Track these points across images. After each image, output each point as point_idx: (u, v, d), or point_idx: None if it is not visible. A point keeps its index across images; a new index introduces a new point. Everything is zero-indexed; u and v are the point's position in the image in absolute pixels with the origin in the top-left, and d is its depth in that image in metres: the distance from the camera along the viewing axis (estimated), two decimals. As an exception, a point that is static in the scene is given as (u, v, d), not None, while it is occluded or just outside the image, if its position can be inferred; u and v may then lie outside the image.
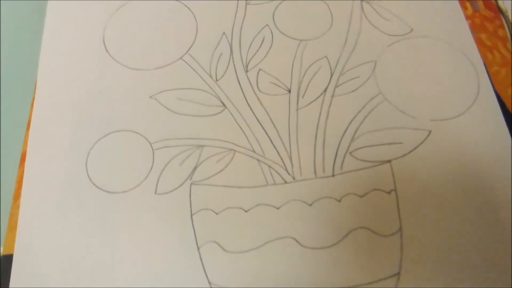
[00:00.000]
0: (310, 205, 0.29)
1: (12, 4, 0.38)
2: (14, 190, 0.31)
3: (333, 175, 0.30)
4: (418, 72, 0.33)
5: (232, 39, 0.35)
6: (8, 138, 0.33)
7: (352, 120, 0.32)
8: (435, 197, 0.29)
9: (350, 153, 0.31)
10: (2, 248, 0.30)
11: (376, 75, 0.33)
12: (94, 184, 0.30)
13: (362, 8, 0.36)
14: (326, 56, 0.34)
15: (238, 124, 0.32)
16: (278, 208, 0.29)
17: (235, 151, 0.31)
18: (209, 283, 0.27)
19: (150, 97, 0.33)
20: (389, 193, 0.29)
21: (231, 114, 0.32)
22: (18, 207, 0.30)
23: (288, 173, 0.30)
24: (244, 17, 0.36)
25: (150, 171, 0.31)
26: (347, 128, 0.32)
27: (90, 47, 0.35)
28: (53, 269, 0.28)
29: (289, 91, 0.33)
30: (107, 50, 0.35)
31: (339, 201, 0.29)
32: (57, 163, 0.31)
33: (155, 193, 0.30)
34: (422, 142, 0.31)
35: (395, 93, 0.33)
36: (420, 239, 0.28)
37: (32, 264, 0.28)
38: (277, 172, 0.30)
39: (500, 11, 0.36)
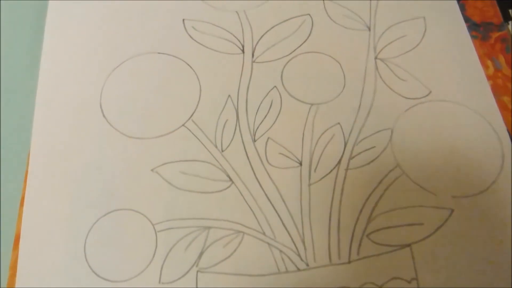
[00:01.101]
0: (326, 296, 0.27)
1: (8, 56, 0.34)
2: (8, 277, 0.29)
3: (349, 262, 0.28)
4: (437, 141, 0.31)
5: (238, 102, 0.32)
6: (1, 215, 0.30)
7: (368, 198, 0.29)
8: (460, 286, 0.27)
9: (367, 235, 0.28)
10: None
11: (393, 145, 0.31)
12: (93, 272, 0.28)
13: (376, 67, 0.33)
14: (339, 123, 0.31)
15: (246, 202, 0.29)
16: (291, 300, 0.27)
17: (243, 233, 0.28)
18: None
19: (152, 170, 0.30)
20: (409, 282, 0.27)
21: (239, 191, 0.30)
22: (12, 297, 0.28)
23: (301, 259, 0.28)
24: (250, 77, 0.33)
25: (153, 256, 0.28)
26: (363, 206, 0.29)
27: (86, 112, 0.32)
28: None
29: (300, 163, 0.30)
30: (104, 116, 0.32)
31: (357, 291, 0.27)
32: (54, 247, 0.28)
33: (159, 282, 0.28)
34: (444, 223, 0.28)
35: (413, 166, 0.30)
36: (445, 337, 0.26)
37: None
38: (289, 258, 0.28)
39: (523, 68, 0.33)
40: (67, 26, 0.34)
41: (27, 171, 0.31)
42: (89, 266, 0.28)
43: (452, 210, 0.29)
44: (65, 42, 0.34)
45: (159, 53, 0.34)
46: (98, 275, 0.28)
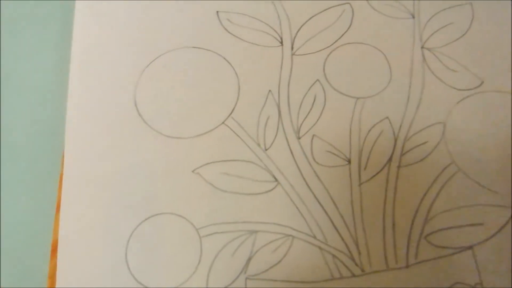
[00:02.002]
0: (384, 303, 0.24)
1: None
2: (47, 286, 0.26)
3: (407, 266, 0.25)
4: (494, 134, 0.28)
5: (279, 98, 0.29)
6: (37, 221, 0.28)
7: (424, 197, 0.27)
8: (527, 292, 0.24)
9: (425, 237, 0.26)
10: None
11: (447, 140, 0.28)
12: (137, 281, 0.26)
13: (423, 57, 0.30)
14: (387, 117, 0.29)
15: (294, 203, 0.27)
16: (347, 308, 0.24)
17: (293, 237, 0.26)
18: None
19: (193, 171, 0.28)
20: (474, 287, 0.25)
21: (285, 191, 0.27)
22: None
23: (356, 264, 0.25)
24: (291, 71, 0.30)
25: (198, 263, 0.26)
26: (419, 206, 0.26)
27: (121, 111, 0.30)
28: None
29: (349, 161, 0.28)
30: (140, 114, 0.29)
31: (417, 298, 0.24)
32: (94, 255, 0.26)
33: (206, 290, 0.25)
34: (507, 223, 0.26)
35: (470, 162, 0.27)
36: None
37: None
38: (342, 262, 0.25)
39: None
40: (97, 22, 0.32)
41: (61, 175, 0.28)
42: (132, 274, 0.26)
43: (515, 209, 0.26)
44: (95, 39, 0.31)
45: (194, 47, 0.31)
46: (141, 284, 0.26)
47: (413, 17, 0.32)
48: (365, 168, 0.27)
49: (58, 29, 0.32)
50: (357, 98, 0.29)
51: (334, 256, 0.26)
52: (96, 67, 0.31)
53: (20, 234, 0.28)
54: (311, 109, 0.29)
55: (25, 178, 0.29)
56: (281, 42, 0.31)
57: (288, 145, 0.28)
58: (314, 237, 0.26)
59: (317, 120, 0.29)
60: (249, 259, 0.26)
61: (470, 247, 0.25)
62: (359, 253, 0.26)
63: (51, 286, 0.26)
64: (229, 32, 0.32)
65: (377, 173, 0.27)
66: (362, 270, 0.25)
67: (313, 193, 0.27)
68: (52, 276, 0.26)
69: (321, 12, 0.32)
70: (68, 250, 0.26)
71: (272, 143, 0.28)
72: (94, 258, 0.26)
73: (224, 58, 0.31)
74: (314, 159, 0.28)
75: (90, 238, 0.27)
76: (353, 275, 0.25)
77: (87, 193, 0.28)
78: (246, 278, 0.25)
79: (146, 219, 0.27)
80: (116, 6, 0.32)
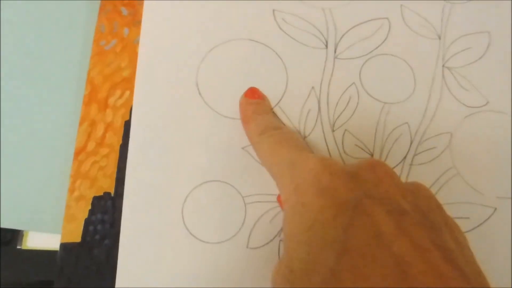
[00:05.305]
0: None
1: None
2: (70, 183, 0.32)
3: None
4: (490, 148, 0.33)
5: (320, 94, 0.34)
6: (64, 133, 0.34)
7: (427, 192, 0.32)
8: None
9: (424, 224, 0.31)
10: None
11: (452, 147, 0.33)
12: (190, 233, 0.31)
13: (443, 74, 0.35)
14: (407, 123, 0.33)
15: (324, 185, 0.32)
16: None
17: (320, 212, 0.31)
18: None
19: (242, 148, 0.32)
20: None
21: (318, 174, 0.32)
22: (74, 199, 0.31)
23: (368, 239, 0.31)
24: (332, 72, 0.34)
25: (242, 225, 0.31)
26: (422, 199, 0.32)
27: (183, 91, 0.33)
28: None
29: (372, 155, 0.32)
30: (200, 95, 0.33)
31: None
32: (155, 210, 0.31)
33: (247, 247, 0.30)
34: (487, 219, 0.31)
35: (467, 168, 0.32)
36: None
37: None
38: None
39: None
40: (164, 12, 0.35)
41: (85, 96, 0.33)
42: (186, 228, 0.31)
43: (495, 209, 0.32)
44: (161, 26, 0.34)
45: (250, 39, 0.35)
46: (194, 236, 0.30)
47: (439, 38, 0.36)
48: (384, 163, 0.32)
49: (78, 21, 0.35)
50: (385, 103, 0.34)
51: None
52: (162, 51, 0.34)
53: (51, 142, 0.34)
54: (345, 107, 0.33)
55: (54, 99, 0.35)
56: (326, 46, 0.35)
57: (324, 136, 0.33)
58: (337, 214, 0.31)
59: (350, 117, 0.33)
60: (284, 226, 0.31)
61: (458, 236, 0.31)
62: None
63: (73, 182, 0.32)
64: (282, 30, 0.35)
65: (393, 168, 0.32)
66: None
67: (340, 178, 0.32)
68: (74, 176, 0.32)
69: (362, 23, 0.36)
70: (131, 204, 0.31)
71: (310, 133, 0.33)
72: (154, 212, 0.31)
73: (276, 53, 0.34)
74: (344, 150, 0.32)
75: (151, 195, 0.31)
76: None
77: (150, 158, 0.32)
78: (280, 240, 0.30)
79: (201, 184, 0.31)
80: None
